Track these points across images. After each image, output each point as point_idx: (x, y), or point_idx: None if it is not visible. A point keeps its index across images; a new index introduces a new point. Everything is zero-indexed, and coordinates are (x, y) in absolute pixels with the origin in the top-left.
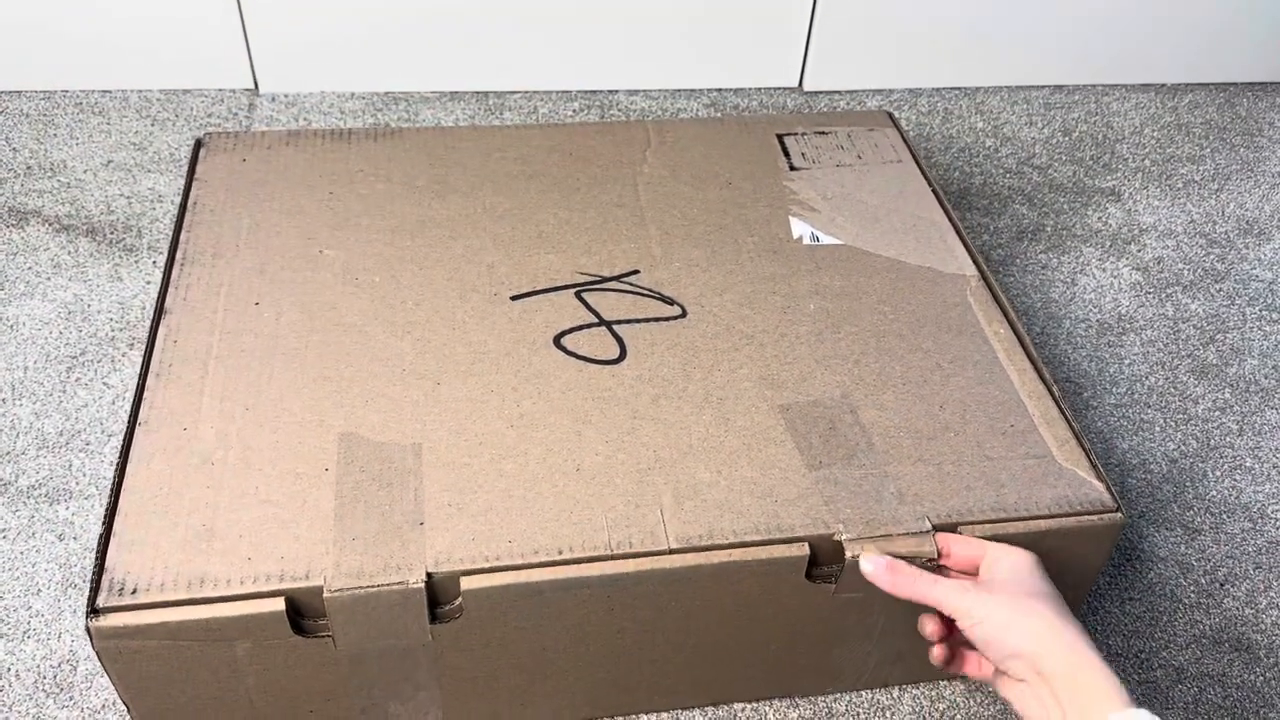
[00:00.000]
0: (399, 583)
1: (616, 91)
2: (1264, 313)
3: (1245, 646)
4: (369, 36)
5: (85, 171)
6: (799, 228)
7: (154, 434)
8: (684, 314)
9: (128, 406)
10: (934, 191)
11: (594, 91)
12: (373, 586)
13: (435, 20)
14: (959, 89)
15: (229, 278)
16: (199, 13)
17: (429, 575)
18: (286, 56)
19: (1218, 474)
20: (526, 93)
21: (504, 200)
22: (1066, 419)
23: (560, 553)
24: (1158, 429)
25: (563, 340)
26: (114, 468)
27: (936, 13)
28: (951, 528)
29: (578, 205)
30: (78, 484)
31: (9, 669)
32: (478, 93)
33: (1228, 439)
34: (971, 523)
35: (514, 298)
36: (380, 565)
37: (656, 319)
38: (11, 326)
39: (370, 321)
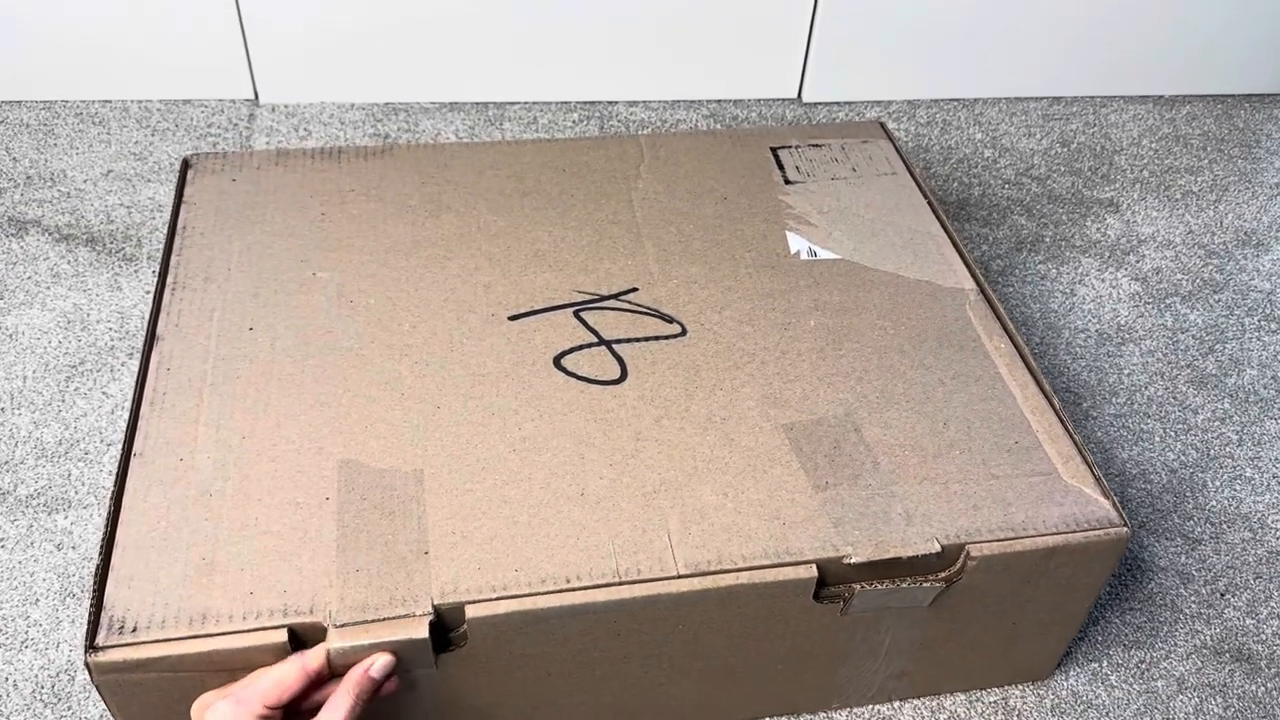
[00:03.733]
0: (405, 615)
1: (616, 103)
2: (1263, 323)
3: (1246, 657)
4: (369, 47)
5: (85, 181)
6: (796, 242)
7: (150, 465)
8: (684, 332)
9: (126, 416)
10: (929, 203)
11: (593, 103)
12: (378, 620)
13: (435, 31)
14: (957, 100)
15: (221, 302)
16: (199, 23)
17: (435, 608)
18: (287, 67)
19: (1218, 484)
20: (526, 104)
21: (498, 219)
22: (1069, 434)
23: (568, 581)
24: (1157, 439)
25: (562, 361)
26: (112, 478)
27: (935, 24)
28: (960, 548)
29: (573, 223)
30: (76, 493)
31: (7, 679)
32: (477, 104)
33: (1227, 449)
34: (980, 542)
35: (512, 318)
36: (385, 598)
37: (657, 338)
38: (11, 336)
39: (366, 345)
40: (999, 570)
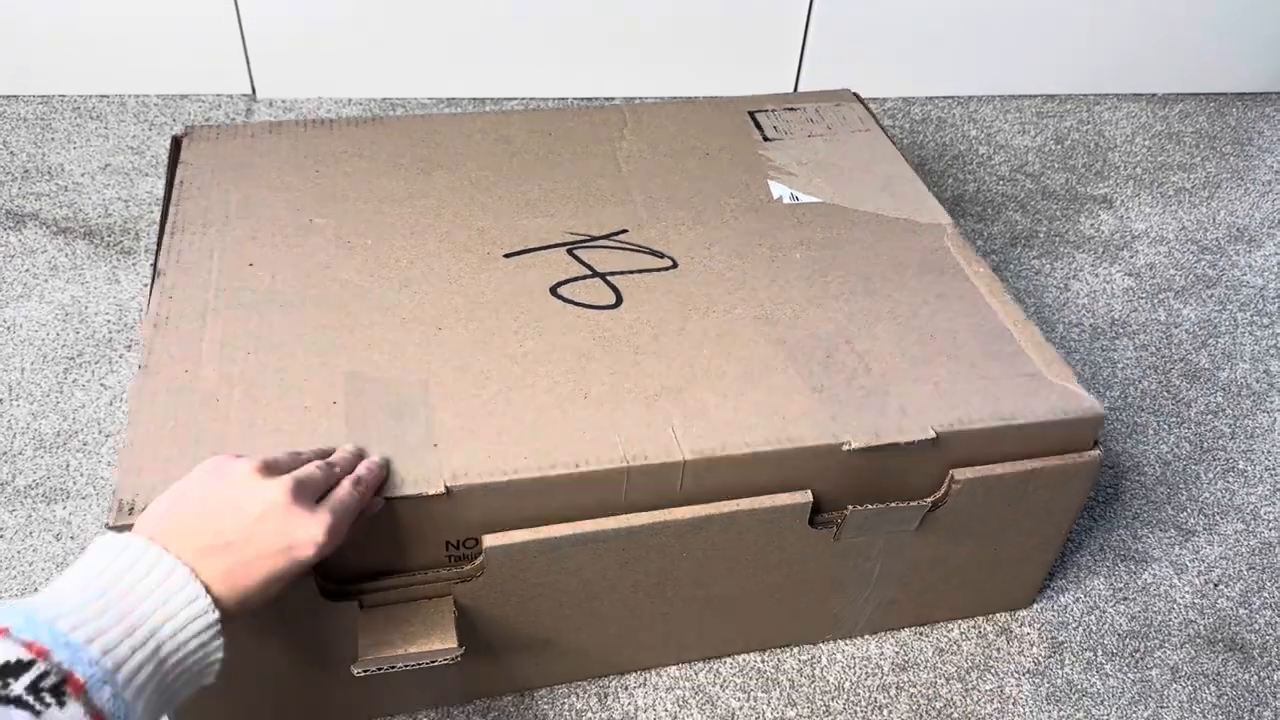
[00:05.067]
0: (418, 495)
1: (613, 98)
2: (1255, 318)
3: (1239, 646)
4: (366, 42)
5: (83, 175)
6: (778, 189)
7: (155, 376)
8: (675, 265)
9: (124, 408)
10: (903, 155)
11: (590, 98)
12: (391, 497)
13: (433, 26)
14: (952, 97)
15: (221, 244)
16: (197, 18)
17: (448, 489)
18: (284, 61)
19: (1211, 476)
20: (523, 99)
21: (489, 174)
22: (1049, 343)
23: (577, 465)
24: (1151, 432)
25: (559, 289)
26: (111, 469)
27: (930, 22)
28: (955, 436)
29: (561, 176)
30: (75, 484)
31: None
32: (475, 99)
33: (1220, 442)
34: (972, 429)
35: (507, 255)
36: (397, 481)
37: (649, 270)
38: (9, 328)
39: (366, 278)
40: (981, 494)
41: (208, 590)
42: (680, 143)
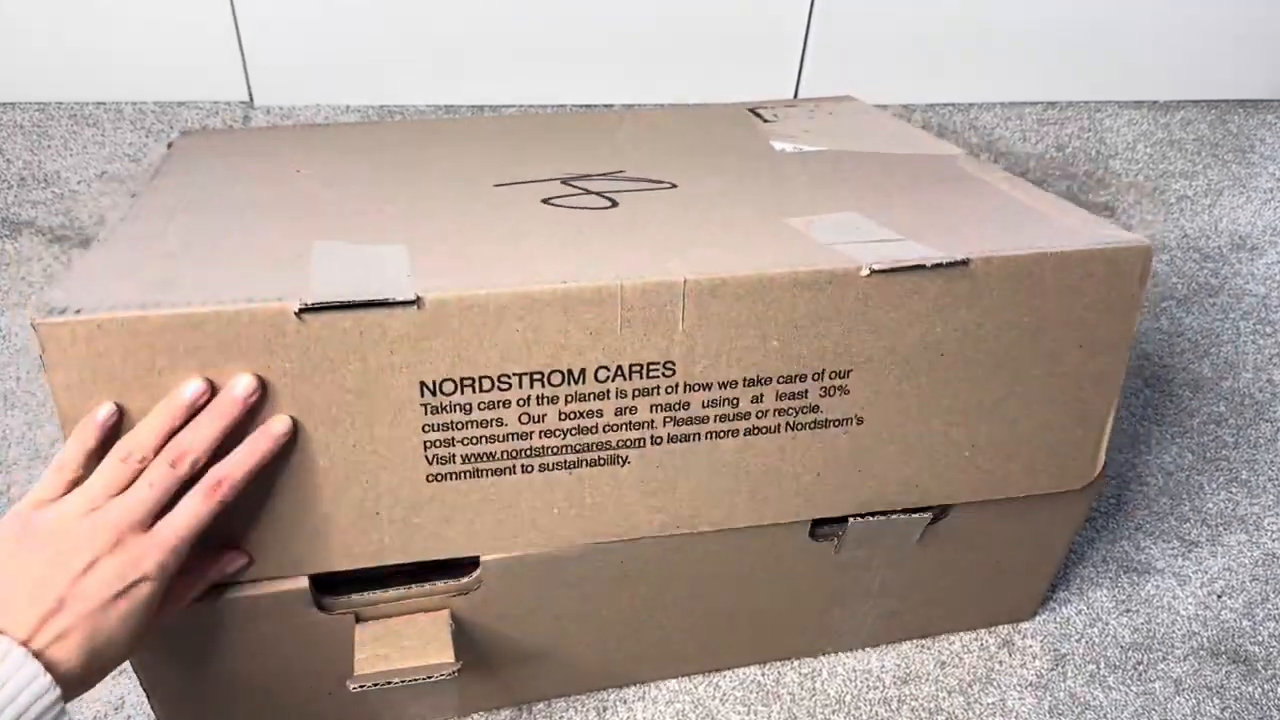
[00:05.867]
0: (383, 302)
1: (612, 106)
2: (1257, 326)
3: (1243, 658)
4: (364, 50)
5: (79, 183)
6: (781, 144)
7: (110, 247)
8: (674, 186)
9: None
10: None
11: (589, 106)
12: (354, 304)
13: (431, 33)
14: (953, 105)
15: (202, 180)
16: (194, 24)
17: (419, 298)
18: (281, 69)
19: (1214, 486)
20: (522, 107)
21: (482, 145)
22: (1085, 210)
23: (564, 280)
24: (1154, 442)
25: (551, 200)
26: None
27: (930, 30)
28: (989, 265)
29: (556, 144)
30: None
31: None
32: (473, 106)
33: (1223, 452)
34: (1007, 256)
35: (497, 185)
36: (360, 290)
37: (647, 190)
38: (4, 337)
39: (346, 198)
40: (983, 506)
41: (51, 667)
42: (679, 126)
